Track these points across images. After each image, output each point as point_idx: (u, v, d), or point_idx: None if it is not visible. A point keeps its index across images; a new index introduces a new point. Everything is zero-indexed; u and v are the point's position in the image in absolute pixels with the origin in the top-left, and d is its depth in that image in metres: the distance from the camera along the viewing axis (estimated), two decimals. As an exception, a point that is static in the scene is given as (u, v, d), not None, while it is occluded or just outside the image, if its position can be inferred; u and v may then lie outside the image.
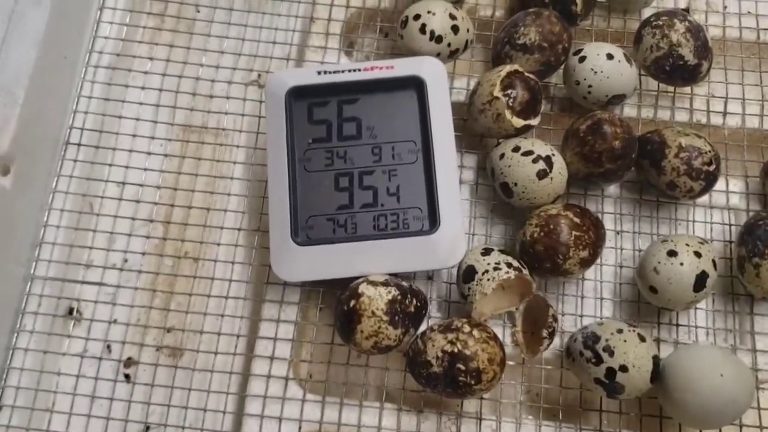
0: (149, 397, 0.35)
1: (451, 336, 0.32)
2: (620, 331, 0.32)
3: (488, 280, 0.33)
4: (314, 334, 0.35)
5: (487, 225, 0.38)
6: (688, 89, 0.39)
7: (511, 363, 0.34)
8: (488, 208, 0.38)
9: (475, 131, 0.38)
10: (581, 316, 0.36)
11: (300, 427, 0.34)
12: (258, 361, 0.35)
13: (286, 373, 0.35)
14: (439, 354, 0.31)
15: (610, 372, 0.31)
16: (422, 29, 0.37)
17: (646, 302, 0.35)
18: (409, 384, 0.34)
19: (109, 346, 0.36)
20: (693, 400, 0.31)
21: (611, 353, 0.31)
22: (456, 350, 0.31)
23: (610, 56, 0.36)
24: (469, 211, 0.38)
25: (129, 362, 0.36)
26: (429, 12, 0.37)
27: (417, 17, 0.37)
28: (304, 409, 0.34)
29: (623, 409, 0.34)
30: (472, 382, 0.31)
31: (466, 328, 0.32)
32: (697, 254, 0.33)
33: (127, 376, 0.35)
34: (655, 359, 0.32)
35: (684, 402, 0.31)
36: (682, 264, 0.33)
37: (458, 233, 0.34)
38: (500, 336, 0.35)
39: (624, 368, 0.31)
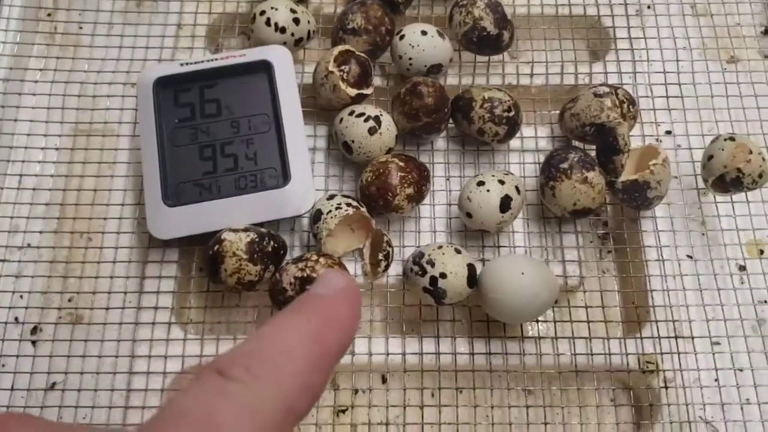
0: (51, 351, 0.40)
1: (301, 265, 0.38)
2: (440, 247, 0.39)
3: (332, 217, 0.40)
4: (192, 285, 0.41)
5: (339, 182, 0.44)
6: (500, 58, 0.47)
7: (362, 290, 0.41)
8: (339, 168, 0.44)
9: (322, 105, 0.45)
10: (419, 246, 0.42)
11: (183, 363, 0.39)
12: (144, 311, 0.40)
13: (169, 319, 0.40)
14: (292, 280, 0.37)
15: (433, 280, 0.38)
16: (267, 22, 0.44)
17: (472, 230, 0.42)
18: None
19: (16, 318, 0.41)
20: (502, 298, 0.37)
21: (432, 264, 0.38)
22: (305, 275, 0.37)
23: (424, 32, 0.44)
24: (324, 171, 0.44)
25: (35, 329, 0.41)
26: (272, 8, 0.44)
27: (262, 13, 0.44)
28: (186, 348, 0.40)
29: (456, 317, 0.40)
30: (319, 302, 0.37)
31: (314, 258, 0.38)
32: (501, 182, 0.40)
33: (33, 342, 0.40)
34: (470, 267, 0.38)
35: (496, 300, 0.38)
36: (488, 191, 0.40)
37: (307, 186, 0.41)
38: (352, 269, 0.41)
39: (443, 275, 0.37)
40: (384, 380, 0.40)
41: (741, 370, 0.40)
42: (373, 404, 0.39)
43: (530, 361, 0.39)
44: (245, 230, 0.39)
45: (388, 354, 0.39)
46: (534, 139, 0.45)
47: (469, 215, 0.40)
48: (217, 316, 0.41)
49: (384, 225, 0.43)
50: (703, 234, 0.43)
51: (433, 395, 0.39)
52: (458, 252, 0.38)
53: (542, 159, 0.44)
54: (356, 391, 0.39)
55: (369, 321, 0.40)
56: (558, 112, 0.45)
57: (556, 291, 0.39)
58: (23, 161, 0.44)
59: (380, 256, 0.40)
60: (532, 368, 0.39)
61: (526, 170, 0.44)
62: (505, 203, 0.40)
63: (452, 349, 0.40)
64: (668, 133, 0.46)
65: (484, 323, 0.40)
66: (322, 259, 0.38)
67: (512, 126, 0.43)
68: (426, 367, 0.39)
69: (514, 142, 0.45)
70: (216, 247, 0.38)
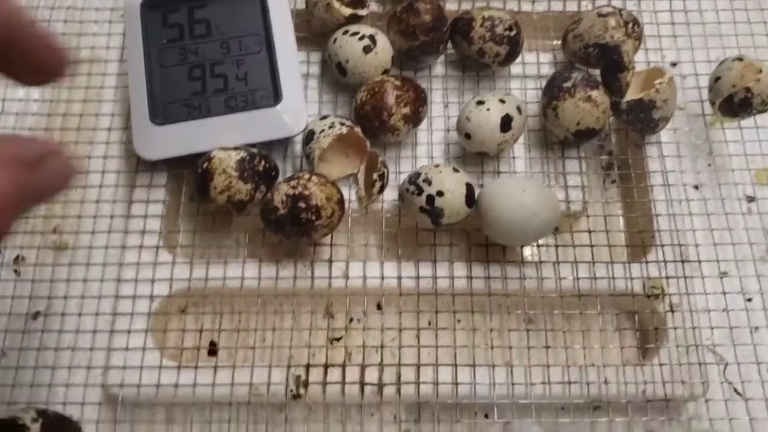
0: (35, 276, 0.38)
1: (293, 183, 0.36)
2: (437, 166, 0.37)
3: (325, 137, 0.38)
4: (181, 210, 0.40)
5: (333, 108, 0.43)
6: (500, -17, 0.46)
7: (355, 215, 0.39)
8: (333, 94, 0.43)
9: (316, 28, 0.43)
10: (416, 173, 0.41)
11: (171, 286, 0.38)
12: (131, 235, 0.39)
13: (157, 243, 0.39)
14: (284, 198, 0.36)
15: (430, 199, 0.36)
16: (259, -58, 0.42)
17: (471, 155, 0.41)
18: (268, 240, 0.38)
19: (-1, 247, 0.39)
20: (502, 216, 0.36)
21: (429, 183, 0.36)
22: (297, 192, 0.36)
23: (420, -48, 0.42)
24: (318, 96, 0.43)
25: (17, 258, 0.39)
26: (264, -72, 0.43)
27: (254, -67, 0.43)
28: (174, 271, 0.38)
29: (453, 242, 0.39)
30: (313, 218, 0.36)
31: (306, 176, 0.36)
32: (502, 101, 0.39)
33: (15, 271, 0.39)
34: (468, 186, 0.37)
35: (495, 219, 0.36)
36: (488, 110, 0.38)
37: (299, 106, 0.40)
38: (346, 194, 0.39)
39: (441, 193, 0.36)
40: (379, 307, 0.38)
41: (750, 300, 0.38)
42: (368, 327, 0.37)
43: (531, 286, 0.38)
44: (236, 149, 0.37)
45: (383, 278, 0.38)
46: (536, 65, 0.44)
47: (468, 136, 0.39)
48: (208, 240, 0.39)
49: (380, 151, 0.41)
50: (710, 165, 0.42)
51: (429, 322, 0.38)
52: (456, 171, 0.37)
53: (544, 84, 0.43)
54: (351, 320, 0.38)
55: (364, 245, 0.39)
56: (560, 37, 0.44)
57: (558, 212, 0.37)
58: (6, 85, 0.43)
59: (375, 177, 0.38)
60: (533, 293, 0.38)
61: (528, 96, 0.43)
62: (506, 123, 0.38)
63: (449, 273, 0.38)
64: (674, 65, 0.44)
65: (483, 248, 0.39)
66: (314, 177, 0.36)
67: (514, 46, 0.41)
68: (422, 291, 0.38)
69: (516, 68, 0.43)
70: (205, 165, 0.37)
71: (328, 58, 0.42)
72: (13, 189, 0.19)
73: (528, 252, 0.39)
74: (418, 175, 0.37)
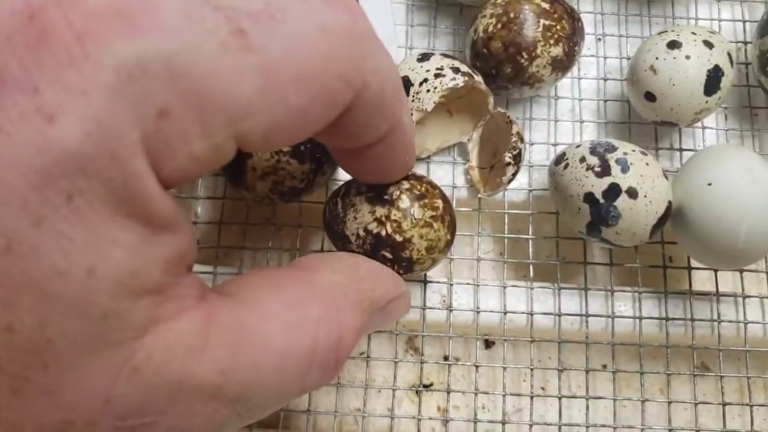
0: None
1: (380, 211, 0.22)
2: (645, 154, 0.23)
3: (428, 91, 0.24)
4: (199, 188, 0.26)
5: (429, 35, 0.28)
6: None
7: (464, 209, 0.26)
8: (428, 13, 0.28)
9: None
10: (555, 144, 0.27)
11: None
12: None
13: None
14: (362, 233, 0.22)
15: (612, 191, 0.22)
16: None
17: (639, 122, 0.27)
18: (329, 246, 0.25)
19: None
20: (731, 218, 0.22)
21: (625, 167, 0.22)
22: (384, 233, 0.22)
23: None
24: (405, 17, 0.28)
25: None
26: None
27: None
28: (188, 286, 0.25)
29: (615, 258, 0.26)
30: (401, 272, 0.22)
31: (404, 201, 0.22)
32: (708, 44, 0.24)
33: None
34: (669, 204, 0.23)
35: (715, 224, 0.22)
36: (687, 57, 0.24)
37: (386, 32, 0.25)
38: (450, 177, 0.26)
39: (633, 193, 0.22)
40: (488, 345, 0.26)
41: None
42: (469, 380, 0.25)
43: (729, 333, 0.25)
44: (286, 104, 0.24)
45: (505, 312, 0.25)
46: (736, -19, 0.29)
47: (650, 97, 0.25)
48: (240, 238, 0.26)
49: (506, 110, 0.27)
50: None
51: (569, 386, 0.25)
52: (665, 177, 0.23)
53: (747, 14, 0.29)
54: (446, 359, 0.26)
55: (475, 260, 0.26)
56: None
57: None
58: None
59: (507, 158, 0.25)
60: (733, 344, 0.25)
61: (723, 32, 0.28)
62: (714, 80, 0.24)
63: (608, 310, 0.25)
64: None
65: (660, 270, 0.25)
66: (416, 208, 0.21)
67: (722, -48, 0.26)
68: (565, 334, 0.25)
69: (704, -14, 0.29)
70: (238, 131, 0.23)
71: (426, -42, 0.27)
72: (359, 336, 0.17)
73: (726, 280, 0.26)
74: (612, 148, 0.23)
